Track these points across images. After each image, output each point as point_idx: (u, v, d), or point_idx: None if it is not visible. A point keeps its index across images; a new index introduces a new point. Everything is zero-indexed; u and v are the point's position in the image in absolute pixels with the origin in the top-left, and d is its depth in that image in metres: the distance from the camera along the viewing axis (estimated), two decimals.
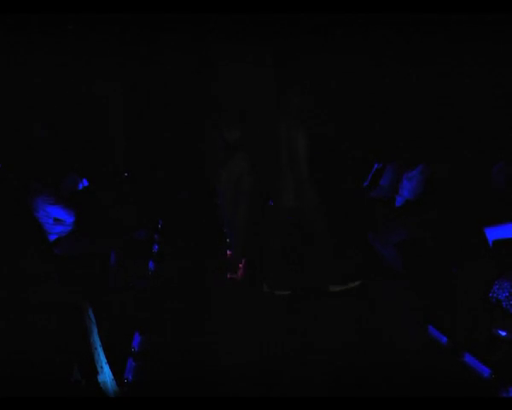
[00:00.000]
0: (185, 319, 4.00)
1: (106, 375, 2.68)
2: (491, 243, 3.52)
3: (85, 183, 4.86)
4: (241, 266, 4.88)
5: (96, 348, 2.67)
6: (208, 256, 5.56)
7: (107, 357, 2.71)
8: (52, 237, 4.21)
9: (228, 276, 4.89)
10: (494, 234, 3.53)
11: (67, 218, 4.27)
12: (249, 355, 3.36)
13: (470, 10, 4.11)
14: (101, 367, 2.66)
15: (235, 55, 7.36)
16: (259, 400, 2.76)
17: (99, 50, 6.81)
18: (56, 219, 4.23)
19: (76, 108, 6.70)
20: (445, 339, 3.47)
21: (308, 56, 6.67)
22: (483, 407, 2.50)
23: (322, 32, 6.43)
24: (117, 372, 2.80)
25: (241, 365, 3.23)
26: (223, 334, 3.72)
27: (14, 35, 5.56)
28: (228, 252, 5.34)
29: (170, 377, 3.10)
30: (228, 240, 5.54)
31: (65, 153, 5.07)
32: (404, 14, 4.69)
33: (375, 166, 6.03)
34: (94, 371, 2.63)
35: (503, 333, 3.31)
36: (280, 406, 2.64)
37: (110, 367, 2.71)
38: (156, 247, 5.80)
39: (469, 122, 5.18)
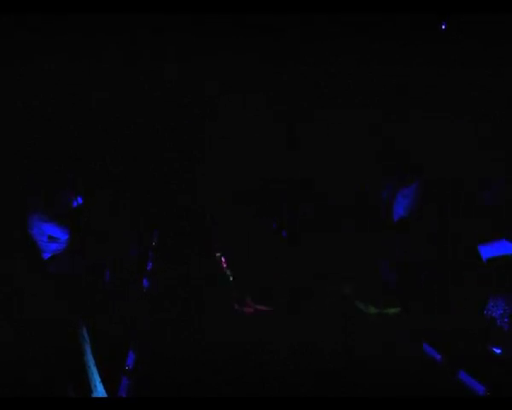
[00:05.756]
0: (180, 335, 3.98)
1: (100, 394, 2.65)
2: (485, 261, 3.54)
3: (80, 201, 4.84)
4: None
5: (89, 367, 2.66)
6: (203, 271, 5.54)
7: (100, 375, 2.69)
8: (46, 256, 4.18)
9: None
10: (488, 251, 3.55)
11: (62, 235, 4.25)
12: (246, 372, 3.35)
13: (469, 10, 4.14)
14: (95, 386, 2.65)
15: (236, 59, 7.31)
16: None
17: (95, 54, 6.77)
18: (51, 237, 4.21)
19: (71, 120, 6.66)
20: (439, 357, 3.47)
21: (307, 59, 6.65)
22: None
23: (323, 33, 6.39)
24: (111, 391, 2.78)
25: (237, 381, 3.21)
26: (218, 351, 3.70)
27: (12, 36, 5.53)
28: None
29: (164, 395, 3.08)
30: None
31: (59, 168, 5.05)
32: (407, 13, 4.69)
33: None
34: (88, 389, 2.61)
35: (498, 350, 3.32)
36: (278, 406, 2.64)
37: (104, 386, 2.69)
38: (150, 264, 5.78)
39: (464, 138, 5.20)
